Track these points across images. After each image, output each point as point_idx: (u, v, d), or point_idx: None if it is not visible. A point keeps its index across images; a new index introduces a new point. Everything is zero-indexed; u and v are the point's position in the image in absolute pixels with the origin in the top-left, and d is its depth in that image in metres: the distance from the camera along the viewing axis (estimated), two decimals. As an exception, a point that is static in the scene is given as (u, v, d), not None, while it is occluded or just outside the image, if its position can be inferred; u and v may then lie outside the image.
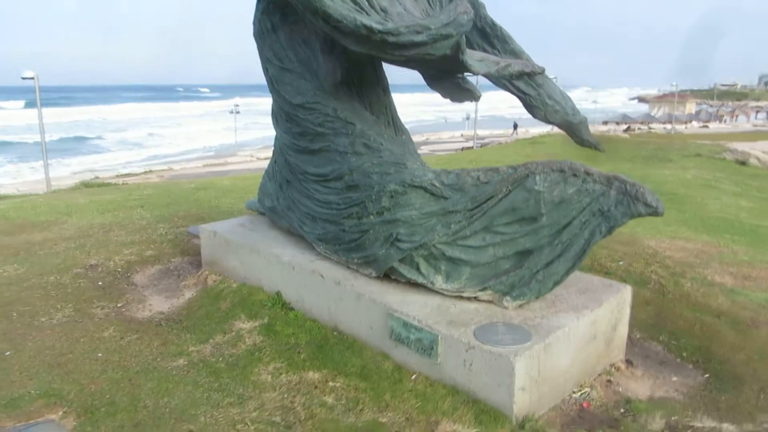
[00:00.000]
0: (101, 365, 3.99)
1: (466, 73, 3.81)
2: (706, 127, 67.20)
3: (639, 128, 60.07)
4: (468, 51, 3.53)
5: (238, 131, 50.58)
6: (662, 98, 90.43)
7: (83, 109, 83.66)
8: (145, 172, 37.92)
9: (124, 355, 4.15)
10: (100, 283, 5.66)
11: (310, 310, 4.50)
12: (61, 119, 64.86)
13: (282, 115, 4.55)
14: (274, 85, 4.49)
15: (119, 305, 5.14)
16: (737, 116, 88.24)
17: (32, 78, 25.05)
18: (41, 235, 7.64)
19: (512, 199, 3.54)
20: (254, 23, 4.61)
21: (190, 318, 4.86)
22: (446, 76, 3.87)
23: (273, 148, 5.39)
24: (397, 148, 4.05)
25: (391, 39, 3.08)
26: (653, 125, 65.87)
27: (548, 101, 4.36)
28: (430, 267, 3.82)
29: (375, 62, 4.50)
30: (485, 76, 3.74)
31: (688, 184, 12.00)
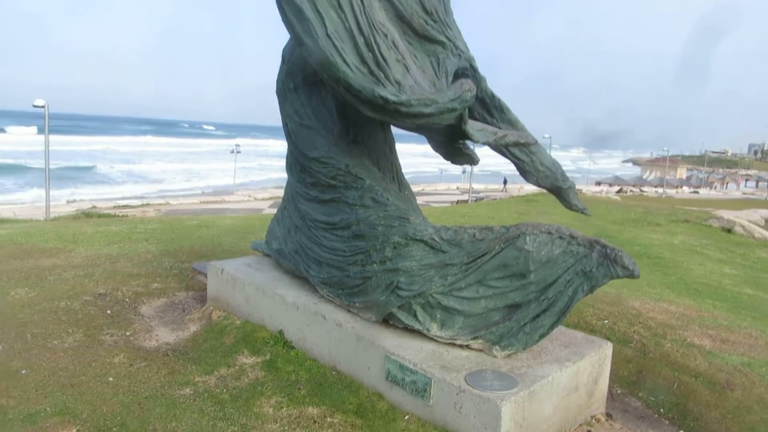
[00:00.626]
0: (112, 389, 4.23)
1: (467, 140, 4.22)
2: (697, 192, 68.56)
3: (631, 190, 61.26)
4: (470, 122, 3.97)
5: (237, 171, 51.33)
6: (654, 162, 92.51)
7: (87, 139, 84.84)
8: (143, 205, 38.35)
9: (134, 380, 4.39)
10: (108, 311, 5.93)
11: (310, 350, 4.77)
12: (64, 147, 65.56)
13: (297, 166, 4.94)
14: (292, 138, 4.90)
15: (127, 334, 5.39)
16: (727, 183, 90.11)
17: (43, 106, 25.67)
18: (50, 262, 7.91)
19: (504, 256, 3.90)
20: (277, 82, 5.06)
21: (195, 350, 5.12)
22: (449, 141, 4.29)
23: (283, 194, 5.77)
24: (402, 204, 4.43)
25: (403, 109, 3.50)
26: (645, 188, 67.13)
27: (540, 167, 4.77)
28: (426, 315, 4.14)
29: (383, 124, 4.93)
30: (484, 143, 4.15)
31: (675, 248, 12.42)
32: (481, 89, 4.82)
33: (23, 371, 4.39)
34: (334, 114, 4.70)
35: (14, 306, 5.92)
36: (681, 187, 75.45)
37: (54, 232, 10.40)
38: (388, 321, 4.37)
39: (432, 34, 4.47)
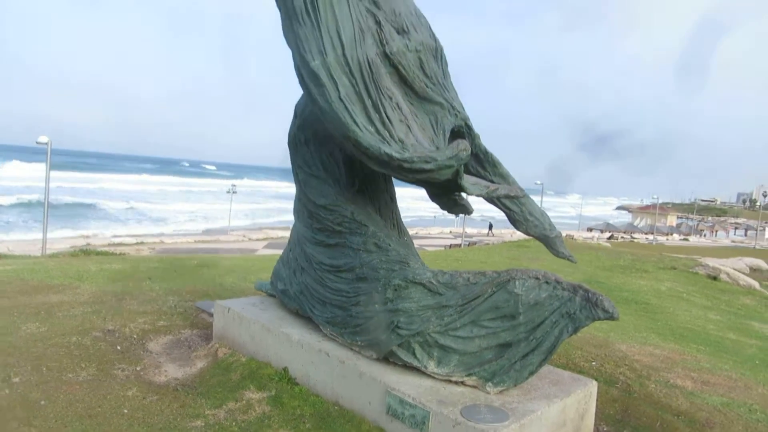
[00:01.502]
0: (127, 420, 4.49)
1: (462, 193, 4.63)
2: (687, 240, 69.34)
3: (622, 237, 61.97)
4: (465, 176, 4.39)
5: (234, 211, 51.72)
6: (645, 209, 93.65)
7: (88, 176, 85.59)
8: (138, 243, 38.51)
9: (147, 413, 4.65)
10: (118, 347, 6.19)
11: (314, 386, 5.05)
12: (62, 183, 66.02)
13: (305, 212, 5.33)
14: (301, 187, 5.31)
15: (138, 369, 5.65)
16: (717, 231, 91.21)
17: (46, 143, 26.12)
18: (57, 298, 8.17)
19: (496, 299, 4.26)
20: (289, 134, 5.51)
21: (203, 385, 5.38)
22: (446, 193, 4.70)
23: (289, 237, 6.15)
24: (402, 249, 4.81)
25: (406, 165, 3.92)
26: (636, 235, 67.87)
27: (529, 217, 5.17)
28: (424, 353, 4.46)
29: (385, 175, 5.36)
30: (478, 196, 4.57)
31: (662, 295, 12.80)
32: (476, 145, 5.28)
33: (42, 402, 4.65)
34: (341, 166, 5.13)
35: (27, 340, 6.17)
36: (671, 234, 76.37)
37: (58, 269, 10.66)
38: (388, 358, 4.68)
39: (431, 95, 4.93)
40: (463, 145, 3.96)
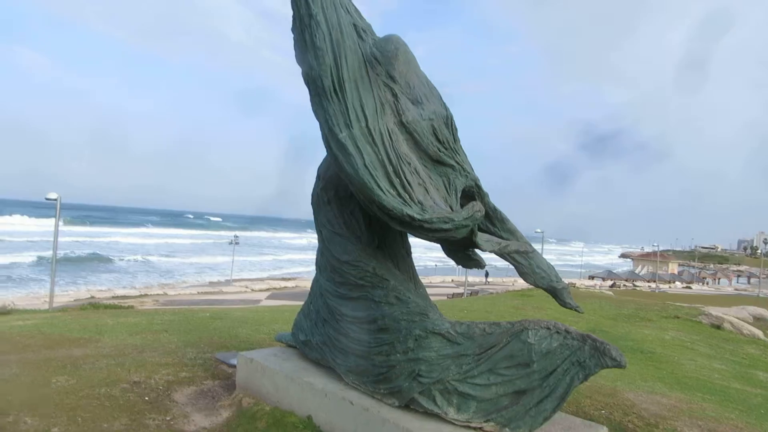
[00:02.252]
0: (164, 467, 4.74)
1: (476, 249, 5.03)
2: (689, 288, 69.12)
3: (624, 285, 61.88)
4: (478, 234, 4.80)
5: (236, 262, 51.97)
6: (645, 257, 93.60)
7: (93, 230, 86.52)
8: (141, 296, 38.65)
9: (182, 460, 4.90)
10: (146, 398, 6.44)
11: (337, 433, 5.31)
12: (67, 238, 66.57)
13: (328, 267, 5.71)
14: (325, 244, 5.71)
15: (168, 418, 5.90)
16: (719, 279, 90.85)
17: (55, 199, 26.66)
18: (81, 351, 8.45)
19: (510, 348, 4.59)
20: (313, 195, 5.95)
21: (231, 434, 5.63)
22: (461, 249, 5.09)
23: (310, 290, 6.50)
24: (421, 301, 5.16)
25: (426, 225, 4.33)
26: (638, 283, 67.70)
27: (537, 270, 5.53)
28: (444, 400, 4.74)
29: (402, 232, 5.77)
30: (490, 252, 4.96)
31: (666, 344, 12.99)
32: (485, 203, 5.72)
33: (83, 450, 4.91)
34: (362, 224, 5.55)
35: (59, 392, 6.43)
36: (673, 282, 76.28)
37: (77, 323, 10.95)
38: (409, 406, 4.95)
39: (444, 159, 5.41)
40: (477, 206, 4.38)
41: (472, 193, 5.70)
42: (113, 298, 34.05)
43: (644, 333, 14.18)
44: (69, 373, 7.20)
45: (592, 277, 75.33)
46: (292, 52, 4.86)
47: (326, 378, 5.77)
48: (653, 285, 65.65)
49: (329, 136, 4.57)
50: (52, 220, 27.16)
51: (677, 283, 75.87)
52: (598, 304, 19.59)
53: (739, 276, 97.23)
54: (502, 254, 5.20)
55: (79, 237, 73.49)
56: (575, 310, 5.78)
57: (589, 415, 6.82)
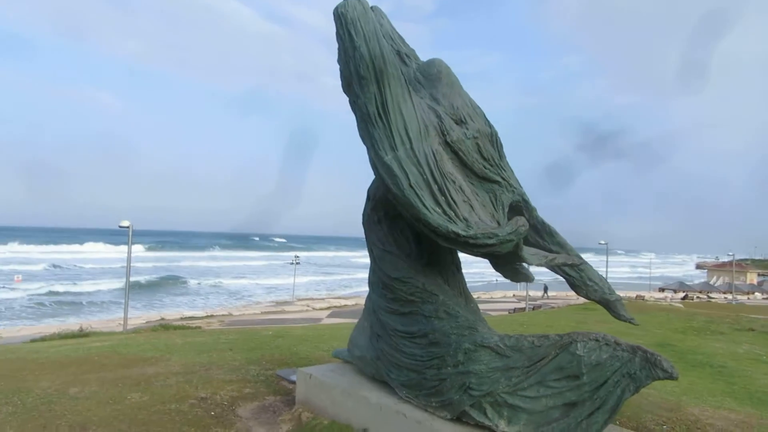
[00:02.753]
0: (230, 477, 5.02)
1: (523, 263, 5.10)
2: (770, 298, 65.03)
3: (697, 297, 58.91)
4: (525, 248, 4.88)
5: (299, 281, 53.11)
6: (721, 267, 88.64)
7: (165, 255, 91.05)
8: (207, 317, 40.08)
9: (246, 470, 5.17)
10: (212, 413, 6.80)
11: (392, 445, 5.45)
12: (145, 264, 70.14)
13: (380, 284, 5.91)
14: (376, 262, 5.92)
15: (233, 432, 6.22)
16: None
17: (127, 227, 28.19)
18: (152, 369, 8.96)
19: (560, 360, 4.62)
20: (363, 215, 6.19)
21: (291, 446, 5.87)
22: (508, 263, 5.17)
23: (364, 307, 6.71)
24: (471, 315, 5.27)
25: (471, 241, 4.47)
26: (713, 294, 64.34)
27: (589, 282, 5.54)
28: (495, 412, 4.81)
29: (451, 249, 5.90)
30: (537, 265, 5.02)
31: (739, 357, 12.38)
32: (533, 218, 5.79)
33: (156, 460, 5.26)
34: (411, 242, 5.73)
35: (133, 408, 6.89)
36: (752, 293, 72.00)
37: (149, 344, 11.59)
38: (461, 418, 5.04)
39: (489, 175, 5.54)
40: (521, 221, 4.48)
41: (520, 207, 5.79)
42: (181, 319, 35.47)
43: (715, 346, 13.57)
44: (142, 390, 7.68)
45: (662, 289, 72.19)
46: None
47: (381, 392, 5.94)
48: (729, 296, 62.19)
49: (376, 159, 4.79)
50: (133, 247, 28.64)
51: (757, 294, 71.54)
52: (666, 317, 18.86)
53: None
54: (550, 267, 5.24)
55: (157, 262, 77.28)
56: (629, 322, 5.73)
57: (649, 430, 6.68)
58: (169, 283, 61.08)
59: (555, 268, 5.44)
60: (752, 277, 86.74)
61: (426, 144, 4.91)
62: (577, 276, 5.54)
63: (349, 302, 51.35)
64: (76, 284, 55.25)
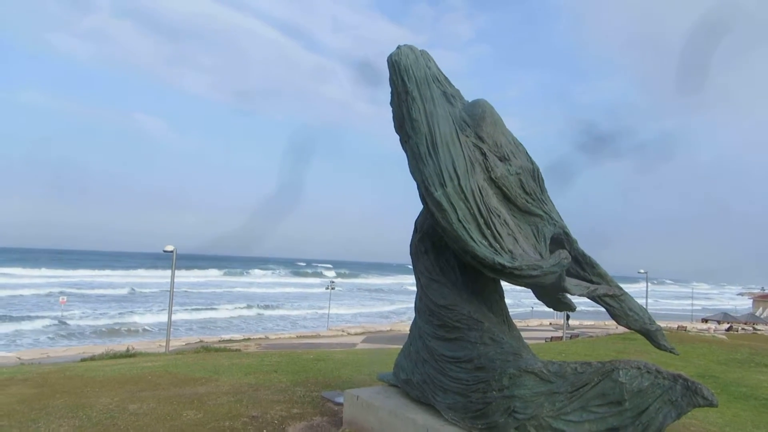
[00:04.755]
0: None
1: (566, 293, 5.36)
2: (821, 331, 62.28)
3: (743, 328, 56.89)
4: (567, 279, 5.15)
5: (334, 307, 53.57)
6: (766, 297, 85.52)
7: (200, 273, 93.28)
8: (245, 339, 40.79)
9: (301, 485, 5.49)
10: (264, 431, 7.16)
11: (439, 466, 5.70)
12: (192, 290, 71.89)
13: (426, 311, 6.23)
14: (424, 290, 6.26)
15: (285, 449, 6.56)
16: None
17: (171, 251, 29.13)
18: (204, 389, 9.41)
19: (602, 386, 4.84)
20: (411, 246, 6.56)
21: (341, 464, 6.17)
22: (551, 293, 5.45)
23: (409, 332, 7.03)
24: (515, 342, 5.54)
25: (516, 272, 4.78)
26: (759, 326, 62.06)
27: (629, 312, 5.75)
28: (539, 435, 5.05)
29: (495, 278, 6.20)
30: (580, 295, 5.28)
31: (783, 390, 12.16)
32: (574, 249, 6.06)
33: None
34: (457, 271, 6.06)
35: (190, 425, 7.31)
36: (802, 324, 69.04)
37: (197, 365, 12.09)
38: (506, 441, 5.28)
39: (532, 209, 5.85)
40: (564, 254, 4.78)
41: (561, 240, 6.07)
42: (220, 342, 36.17)
43: (759, 378, 13.32)
44: (196, 408, 8.11)
45: (705, 320, 69.92)
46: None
47: (427, 414, 6.20)
48: (777, 328, 59.82)
49: (426, 195, 5.16)
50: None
51: (806, 325, 68.59)
52: (708, 348, 18.51)
53: None
54: (591, 297, 5.49)
55: (200, 288, 79.17)
56: (671, 352, 5.91)
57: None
58: (209, 309, 62.26)
59: (596, 299, 5.68)
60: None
61: (473, 180, 5.27)
62: (618, 306, 5.76)
63: (383, 327, 51.47)
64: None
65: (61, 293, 61.24)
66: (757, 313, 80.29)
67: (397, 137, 5.64)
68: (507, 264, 4.78)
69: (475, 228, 5.02)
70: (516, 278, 4.84)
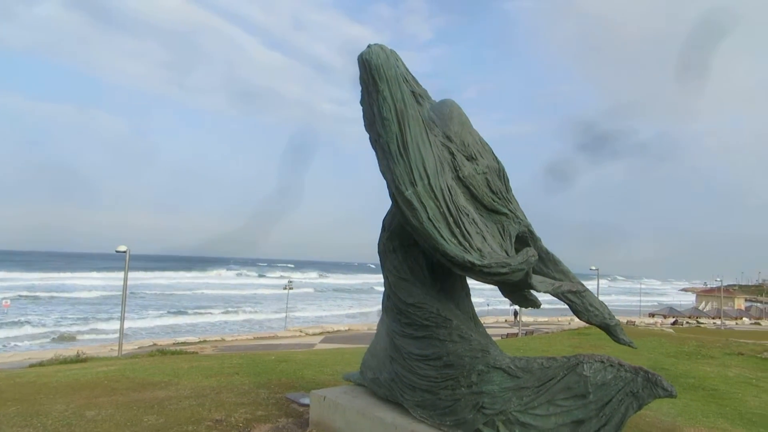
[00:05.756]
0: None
1: (531, 290, 5.48)
2: (759, 324, 65.68)
3: (687, 322, 59.41)
4: (533, 276, 5.27)
5: (291, 308, 53.03)
6: (709, 292, 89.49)
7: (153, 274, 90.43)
8: (201, 342, 39.96)
9: (270, 488, 5.43)
10: (229, 434, 7.06)
11: (408, 463, 5.73)
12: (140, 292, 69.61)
13: (394, 309, 6.25)
14: (392, 288, 6.27)
15: (252, 452, 6.48)
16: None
17: (125, 251, 28.28)
18: (164, 393, 9.19)
19: (567, 380, 4.98)
20: (379, 245, 6.56)
21: (310, 465, 6.13)
22: (518, 290, 5.56)
23: (376, 332, 7.04)
24: (482, 339, 5.62)
25: (485, 270, 4.85)
26: (702, 320, 64.87)
27: (590, 308, 5.92)
28: (507, 430, 5.12)
29: (462, 276, 6.28)
30: (544, 292, 5.41)
31: (730, 381, 12.76)
32: (538, 247, 6.20)
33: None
34: (425, 269, 6.10)
35: (151, 430, 7.13)
36: (741, 318, 72.69)
37: (155, 368, 11.78)
38: (474, 436, 5.36)
39: (498, 208, 5.96)
40: (531, 252, 4.88)
41: (525, 237, 6.21)
42: (174, 344, 35.34)
43: (706, 370, 13.95)
44: (157, 412, 7.91)
45: (652, 315, 72.68)
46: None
47: (395, 413, 6.23)
48: (718, 322, 62.81)
49: (396, 194, 5.18)
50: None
51: (745, 319, 72.25)
52: (657, 342, 19.23)
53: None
54: (556, 294, 5.63)
55: (156, 290, 76.81)
56: (629, 346, 6.11)
57: (649, 449, 7.00)
58: (165, 312, 60.68)
59: (559, 295, 5.83)
60: (740, 303, 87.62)
61: (442, 179, 5.31)
62: (579, 302, 5.92)
63: (341, 327, 51.35)
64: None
65: (3, 298, 58.54)
66: (700, 307, 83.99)
67: (367, 136, 5.64)
68: (476, 262, 4.85)
69: (444, 226, 5.07)
70: (485, 276, 4.92)
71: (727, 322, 62.93)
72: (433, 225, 5.03)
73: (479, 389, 5.29)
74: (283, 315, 53.92)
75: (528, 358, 5.31)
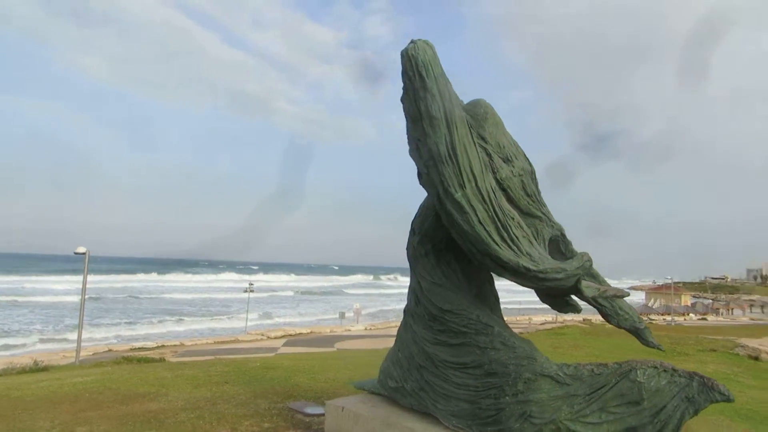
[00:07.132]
0: None
1: (574, 295, 5.35)
2: (705, 319, 68.53)
3: (640, 319, 61.25)
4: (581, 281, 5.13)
5: (252, 310, 51.90)
6: (658, 290, 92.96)
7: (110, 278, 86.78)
8: (159, 347, 38.47)
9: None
10: (241, 449, 6.66)
11: (445, 476, 5.51)
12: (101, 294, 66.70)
13: (426, 316, 6.01)
14: (424, 294, 6.03)
15: (272, 468, 6.11)
16: (732, 309, 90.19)
17: (84, 253, 26.94)
18: (155, 405, 8.66)
19: (620, 387, 4.86)
20: (408, 249, 6.31)
21: (338, 481, 5.83)
22: (561, 295, 5.42)
23: (396, 339, 6.77)
24: (527, 346, 5.46)
25: (541, 275, 4.68)
26: (652, 316, 67.19)
27: (620, 312, 5.84)
28: (557, 439, 4.99)
29: (491, 280, 6.11)
30: (591, 297, 5.28)
31: (711, 377, 13.09)
32: (569, 251, 6.09)
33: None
34: (459, 274, 5.90)
35: (157, 446, 6.66)
36: (687, 314, 75.70)
37: (137, 378, 11.16)
38: (521, 446, 5.19)
39: (533, 211, 5.82)
40: (587, 256, 4.75)
41: (557, 241, 6.08)
42: (131, 350, 34.00)
43: (686, 367, 14.28)
44: (155, 428, 7.42)
45: (604, 313, 74.68)
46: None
47: (424, 422, 5.98)
48: (668, 318, 65.19)
49: (445, 197, 4.95)
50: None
51: (691, 315, 75.27)
52: (622, 341, 19.65)
53: (752, 305, 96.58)
54: (597, 298, 5.52)
55: (116, 293, 73.84)
56: (657, 349, 6.08)
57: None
58: (118, 313, 58.45)
59: (596, 299, 5.72)
60: (686, 299, 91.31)
61: (487, 182, 5.13)
62: (609, 306, 5.83)
63: (303, 330, 50.61)
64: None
65: (-58, 303, 55.09)
66: (650, 304, 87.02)
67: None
68: (531, 267, 4.68)
69: (494, 230, 4.89)
70: (539, 281, 4.76)
71: (675, 319, 65.38)
72: (484, 228, 4.83)
73: (526, 398, 5.11)
74: (243, 317, 52.75)
75: (576, 365, 5.17)
